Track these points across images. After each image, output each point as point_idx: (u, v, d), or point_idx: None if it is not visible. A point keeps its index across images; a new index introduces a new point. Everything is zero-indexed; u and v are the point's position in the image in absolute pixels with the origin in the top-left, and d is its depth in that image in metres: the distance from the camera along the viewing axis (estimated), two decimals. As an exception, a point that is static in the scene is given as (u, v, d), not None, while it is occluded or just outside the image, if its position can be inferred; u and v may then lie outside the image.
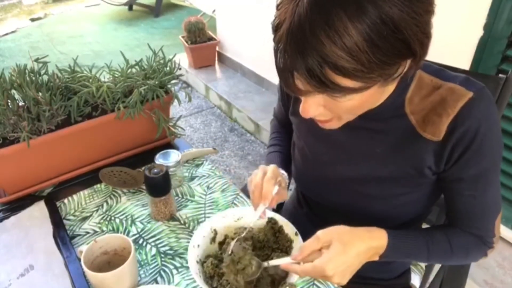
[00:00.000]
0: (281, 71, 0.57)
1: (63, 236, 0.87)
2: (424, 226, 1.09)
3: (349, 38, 0.49)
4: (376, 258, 0.70)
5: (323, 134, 0.83)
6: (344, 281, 0.66)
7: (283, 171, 0.89)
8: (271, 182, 0.76)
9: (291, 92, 0.60)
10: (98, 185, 1.05)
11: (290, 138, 1.02)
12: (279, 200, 0.79)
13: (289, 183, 0.94)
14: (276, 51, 0.56)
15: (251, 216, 0.77)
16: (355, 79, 0.53)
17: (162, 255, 0.86)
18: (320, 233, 0.67)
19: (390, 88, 0.69)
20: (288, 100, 0.93)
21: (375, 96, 0.63)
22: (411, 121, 0.71)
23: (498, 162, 0.71)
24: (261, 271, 0.75)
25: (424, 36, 0.54)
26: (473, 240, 0.77)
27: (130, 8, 5.85)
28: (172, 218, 0.95)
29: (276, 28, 0.56)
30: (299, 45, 0.52)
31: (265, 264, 0.73)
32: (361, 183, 0.80)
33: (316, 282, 0.79)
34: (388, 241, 0.69)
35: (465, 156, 0.67)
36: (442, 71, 0.71)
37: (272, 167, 0.80)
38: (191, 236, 0.86)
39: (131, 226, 0.93)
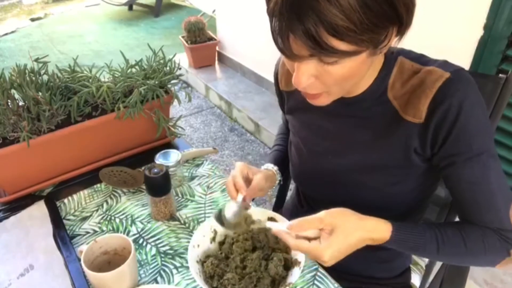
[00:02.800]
0: (277, 35, 0.58)
1: (63, 236, 0.87)
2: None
3: None
4: (379, 243, 0.70)
5: (315, 126, 0.85)
6: (333, 263, 0.66)
7: (270, 165, 0.96)
8: (231, 181, 0.82)
9: (286, 56, 0.61)
10: (98, 185, 1.05)
11: None
12: (254, 192, 0.82)
13: (282, 179, 0.98)
14: (271, 17, 0.58)
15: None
16: (347, 40, 0.55)
17: (162, 255, 0.86)
18: (324, 215, 0.67)
19: (373, 68, 0.72)
20: (282, 99, 0.96)
21: (363, 67, 0.64)
22: (394, 106, 0.72)
23: (491, 146, 0.69)
24: (262, 270, 0.75)
25: (409, 1, 0.57)
26: (489, 234, 0.71)
27: (130, 8, 5.85)
28: (172, 218, 0.95)
29: None
30: (295, 5, 0.53)
31: (257, 220, 0.74)
32: (353, 172, 0.81)
33: (316, 282, 0.79)
34: (391, 236, 0.68)
35: (451, 136, 0.67)
36: (423, 57, 0.73)
37: (237, 166, 0.85)
38: (191, 236, 0.86)
39: (131, 226, 0.93)
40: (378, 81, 0.73)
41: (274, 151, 1.06)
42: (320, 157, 0.86)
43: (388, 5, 0.54)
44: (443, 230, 0.72)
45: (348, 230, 0.66)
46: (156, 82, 1.04)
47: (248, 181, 0.84)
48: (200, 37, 3.51)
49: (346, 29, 0.53)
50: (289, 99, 0.91)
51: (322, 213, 0.67)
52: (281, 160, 1.02)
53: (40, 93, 0.96)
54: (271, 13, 0.58)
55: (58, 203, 0.99)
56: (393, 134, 0.73)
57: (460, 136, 0.67)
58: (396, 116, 0.72)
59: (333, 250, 0.64)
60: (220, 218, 0.77)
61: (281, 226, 0.70)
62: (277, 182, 0.96)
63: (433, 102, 0.67)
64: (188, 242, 0.83)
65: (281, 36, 0.57)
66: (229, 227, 0.76)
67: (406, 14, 0.57)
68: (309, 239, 0.67)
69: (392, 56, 0.73)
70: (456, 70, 0.67)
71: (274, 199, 0.94)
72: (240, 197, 0.79)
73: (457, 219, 1.03)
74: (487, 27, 1.56)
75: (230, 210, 0.77)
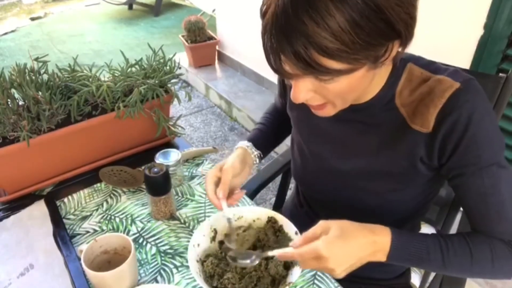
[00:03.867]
0: (269, 55, 0.58)
1: (63, 235, 0.87)
2: (423, 225, 1.09)
3: (331, 19, 0.50)
4: (384, 259, 0.67)
5: (319, 128, 0.84)
6: (341, 272, 0.63)
7: (244, 143, 0.92)
8: (211, 187, 0.80)
9: (280, 75, 0.61)
10: (98, 184, 1.05)
11: (279, 121, 1.05)
12: (226, 186, 0.79)
13: (260, 159, 0.95)
14: (263, 36, 0.57)
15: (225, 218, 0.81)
16: (340, 60, 0.54)
17: (162, 254, 0.86)
18: (321, 221, 0.66)
19: (381, 75, 0.70)
20: (285, 94, 0.95)
21: (365, 80, 0.62)
22: (402, 114, 0.71)
23: (501, 156, 0.68)
24: (262, 269, 0.75)
25: (408, 17, 0.55)
26: (498, 245, 0.69)
27: (130, 7, 5.85)
28: (172, 217, 0.95)
29: (263, 14, 0.57)
30: (284, 27, 0.53)
31: (263, 254, 0.73)
32: (356, 177, 0.80)
33: (316, 282, 0.79)
34: (391, 237, 0.66)
35: (460, 147, 0.66)
36: (433, 64, 0.72)
37: (207, 176, 0.82)
38: (191, 235, 0.86)
39: (131, 225, 0.93)
40: (386, 87, 0.71)
41: (254, 129, 1.03)
42: (322, 160, 0.85)
43: (384, 23, 0.53)
44: (447, 238, 0.70)
45: (344, 227, 0.64)
46: (156, 82, 1.04)
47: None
48: (200, 37, 3.51)
49: (338, 50, 0.52)
50: None
51: (320, 221, 0.66)
52: (260, 137, 0.99)
53: (40, 93, 0.96)
54: (263, 32, 0.57)
55: (58, 203, 0.99)
56: (399, 142, 0.72)
57: (469, 147, 0.66)
58: (403, 124, 0.71)
59: (332, 244, 0.62)
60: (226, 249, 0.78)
61: (284, 249, 0.69)
62: (254, 156, 0.91)
63: (442, 113, 0.66)
64: (188, 241, 0.83)
65: (273, 56, 0.57)
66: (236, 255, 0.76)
67: (406, 29, 0.55)
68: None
69: (401, 63, 0.71)
70: (465, 80, 0.66)
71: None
72: (224, 205, 0.78)
73: (458, 218, 1.04)
74: (487, 27, 1.56)
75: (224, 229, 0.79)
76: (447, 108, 0.65)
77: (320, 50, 0.52)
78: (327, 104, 0.67)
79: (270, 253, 0.71)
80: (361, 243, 0.64)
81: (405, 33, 0.56)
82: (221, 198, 0.78)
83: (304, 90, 0.62)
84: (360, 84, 0.62)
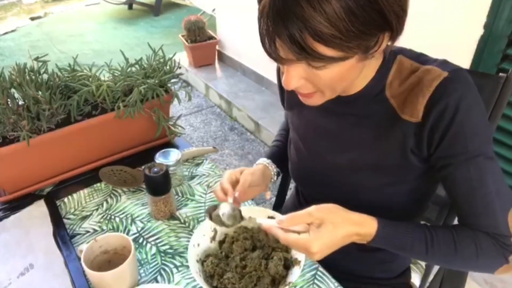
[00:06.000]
0: (264, 38, 0.59)
1: (63, 235, 0.87)
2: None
3: (328, 5, 0.52)
4: (364, 242, 0.69)
5: (313, 124, 0.85)
6: (321, 257, 0.66)
7: (262, 159, 0.96)
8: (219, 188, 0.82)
9: (273, 60, 0.62)
10: (98, 184, 1.05)
11: None
12: (243, 189, 0.81)
13: (279, 171, 0.98)
14: (259, 19, 0.58)
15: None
16: (333, 46, 0.55)
17: (162, 254, 0.86)
18: (313, 209, 0.67)
19: (371, 67, 0.71)
20: (283, 94, 0.96)
21: (354, 70, 0.64)
22: (392, 105, 0.72)
23: (488, 148, 0.67)
24: (262, 269, 0.75)
25: (399, 9, 0.57)
26: (484, 238, 0.69)
27: (130, 7, 5.85)
28: (172, 217, 0.95)
29: None
30: (281, 10, 0.54)
31: (247, 218, 0.72)
32: (351, 172, 0.81)
33: (316, 282, 0.79)
34: (377, 231, 0.68)
35: (447, 136, 0.66)
36: (422, 56, 0.73)
37: (224, 174, 0.84)
38: (191, 235, 0.86)
39: (131, 225, 0.93)
40: (376, 79, 0.73)
41: (272, 146, 1.06)
42: (318, 156, 0.86)
43: (377, 13, 0.54)
44: (433, 231, 0.70)
45: (336, 223, 0.66)
46: (156, 81, 1.04)
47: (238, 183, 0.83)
48: (200, 36, 3.51)
49: (332, 36, 0.53)
50: (290, 95, 0.91)
51: (311, 208, 0.67)
52: (278, 154, 1.01)
53: (40, 92, 0.96)
54: (259, 15, 0.58)
55: (58, 202, 0.99)
56: (391, 133, 0.73)
57: (456, 136, 0.66)
58: (394, 115, 0.72)
59: (322, 242, 0.64)
60: (210, 214, 0.76)
61: (271, 221, 0.69)
62: (273, 174, 0.95)
63: (430, 102, 0.66)
64: (188, 241, 0.83)
65: (268, 39, 0.58)
66: (217, 222, 0.76)
67: (397, 21, 0.57)
68: (298, 233, 0.67)
69: (391, 55, 0.72)
70: (454, 70, 0.67)
71: (269, 192, 0.94)
72: (230, 200, 0.79)
73: (457, 219, 1.04)
74: (487, 26, 1.56)
75: (224, 210, 0.77)
76: (435, 96, 0.66)
77: (315, 35, 0.53)
78: (316, 92, 0.68)
79: (257, 220, 0.71)
80: (347, 233, 0.66)
81: (396, 25, 0.57)
82: (230, 195, 0.79)
83: (296, 77, 0.63)
84: (350, 74, 0.64)
